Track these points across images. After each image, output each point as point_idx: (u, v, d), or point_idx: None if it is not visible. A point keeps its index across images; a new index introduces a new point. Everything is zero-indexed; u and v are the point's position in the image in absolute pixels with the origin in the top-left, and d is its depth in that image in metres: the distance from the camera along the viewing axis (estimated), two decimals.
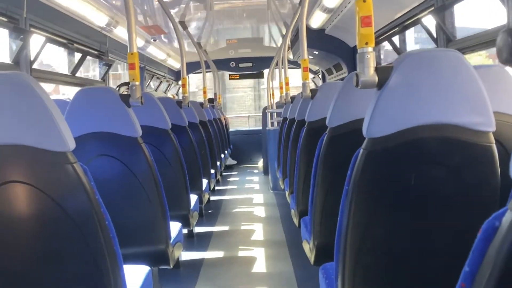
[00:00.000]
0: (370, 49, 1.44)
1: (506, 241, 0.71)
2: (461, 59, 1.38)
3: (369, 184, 1.45)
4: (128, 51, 2.38)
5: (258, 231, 4.36)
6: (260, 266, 3.38)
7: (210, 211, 5.24)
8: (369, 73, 1.42)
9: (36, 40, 3.52)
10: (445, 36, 3.30)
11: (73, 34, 4.08)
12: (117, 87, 4.62)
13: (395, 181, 1.44)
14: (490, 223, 0.77)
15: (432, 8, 3.38)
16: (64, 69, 4.58)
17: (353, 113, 2.16)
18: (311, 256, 2.43)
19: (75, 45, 4.19)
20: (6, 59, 3.21)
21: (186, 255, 3.64)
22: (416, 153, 1.42)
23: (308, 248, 2.50)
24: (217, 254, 3.71)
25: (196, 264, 3.45)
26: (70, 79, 4.41)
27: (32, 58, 3.34)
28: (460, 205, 1.42)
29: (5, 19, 2.95)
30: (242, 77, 9.99)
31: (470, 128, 1.38)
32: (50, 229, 1.49)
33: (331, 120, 2.21)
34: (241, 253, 3.72)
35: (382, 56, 5.70)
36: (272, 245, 3.90)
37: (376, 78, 1.41)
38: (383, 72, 1.40)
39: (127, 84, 4.40)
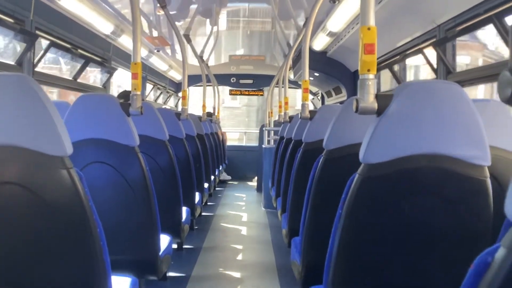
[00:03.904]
0: (371, 76, 1.46)
1: (498, 277, 0.71)
2: (460, 93, 1.40)
3: (362, 209, 1.46)
4: (132, 61, 2.40)
5: (248, 249, 4.33)
6: (247, 285, 3.35)
7: (199, 226, 5.21)
8: (369, 100, 1.44)
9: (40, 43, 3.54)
10: (445, 68, 3.34)
11: (78, 39, 4.11)
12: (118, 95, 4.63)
13: (388, 208, 1.44)
14: (482, 259, 0.77)
15: (434, 40, 3.42)
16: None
17: (350, 137, 2.17)
18: (299, 278, 2.41)
19: (79, 50, 4.21)
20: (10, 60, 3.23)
21: (174, 268, 3.60)
22: (411, 182, 1.43)
23: (297, 269, 2.48)
24: (205, 269, 3.68)
25: (183, 278, 3.42)
26: (71, 84, 4.43)
27: (35, 61, 3.35)
28: (452, 237, 1.43)
29: (11, 21, 2.97)
30: (242, 93, 10.04)
31: (466, 160, 1.39)
32: (41, 232, 1.49)
33: (328, 142, 2.22)
34: (229, 271, 3.69)
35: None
36: (261, 265, 3.87)
37: (376, 105, 1.43)
38: (383, 100, 1.42)
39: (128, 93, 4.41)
